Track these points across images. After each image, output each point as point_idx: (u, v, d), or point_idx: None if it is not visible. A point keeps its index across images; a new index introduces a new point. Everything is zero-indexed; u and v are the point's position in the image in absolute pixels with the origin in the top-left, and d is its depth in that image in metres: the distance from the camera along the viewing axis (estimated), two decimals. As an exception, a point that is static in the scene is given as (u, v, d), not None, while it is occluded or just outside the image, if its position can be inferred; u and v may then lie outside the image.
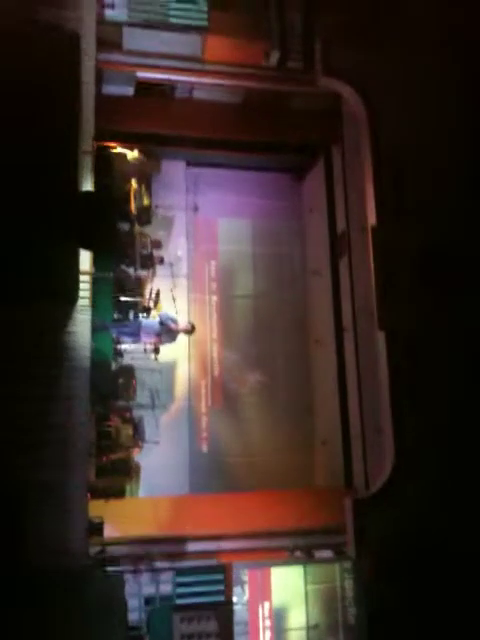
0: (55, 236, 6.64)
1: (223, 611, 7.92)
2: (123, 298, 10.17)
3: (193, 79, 9.75)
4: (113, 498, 8.93)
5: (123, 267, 10.56)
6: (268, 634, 8.13)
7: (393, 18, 9.32)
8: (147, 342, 10.14)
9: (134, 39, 8.98)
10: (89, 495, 7.64)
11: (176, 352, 10.87)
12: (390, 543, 7.93)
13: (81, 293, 7.33)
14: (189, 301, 11.43)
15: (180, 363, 11.12)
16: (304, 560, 8.49)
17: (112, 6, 8.80)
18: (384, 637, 7.79)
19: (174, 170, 11.70)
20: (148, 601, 7.83)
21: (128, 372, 10.26)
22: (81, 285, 7.29)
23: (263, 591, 8.24)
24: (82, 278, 7.33)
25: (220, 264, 11.90)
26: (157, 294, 10.54)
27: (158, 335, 9.92)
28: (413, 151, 9.05)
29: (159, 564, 8.07)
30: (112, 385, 9.76)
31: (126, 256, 10.45)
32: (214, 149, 11.30)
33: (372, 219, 8.91)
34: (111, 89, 9.74)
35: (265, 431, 11.17)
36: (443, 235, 8.83)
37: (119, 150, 10.39)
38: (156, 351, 10.18)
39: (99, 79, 9.07)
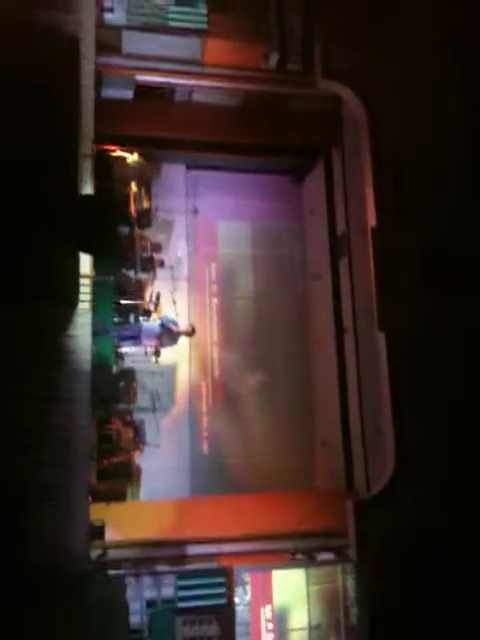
0: (55, 237, 6.66)
1: (225, 614, 7.91)
2: (123, 301, 10.17)
3: (192, 82, 9.77)
4: (114, 501, 8.93)
5: (123, 270, 10.58)
6: (270, 636, 8.13)
7: (393, 19, 9.33)
8: (148, 345, 10.14)
9: (133, 42, 9.01)
10: (90, 498, 7.64)
11: (177, 355, 10.87)
12: (391, 544, 7.91)
13: (82, 296, 7.34)
14: (189, 304, 11.42)
15: (181, 366, 11.11)
16: (305, 563, 8.49)
17: (111, 9, 8.83)
18: (386, 637, 7.77)
19: (174, 173, 11.71)
20: (150, 604, 7.82)
21: (129, 375, 10.27)
22: (81, 288, 7.30)
23: (264, 594, 8.24)
24: (82, 281, 7.35)
25: (220, 266, 11.90)
26: (157, 297, 10.55)
27: (159, 338, 9.92)
28: (413, 152, 9.05)
29: (160, 567, 8.06)
30: (113, 388, 9.77)
31: (126, 259, 10.48)
32: (214, 152, 11.33)
33: (372, 221, 8.91)
34: (110, 92, 9.74)
35: (266, 432, 11.17)
36: (443, 236, 8.83)
37: (119, 153, 10.40)
38: (157, 354, 10.19)
39: (98, 82, 9.07)
